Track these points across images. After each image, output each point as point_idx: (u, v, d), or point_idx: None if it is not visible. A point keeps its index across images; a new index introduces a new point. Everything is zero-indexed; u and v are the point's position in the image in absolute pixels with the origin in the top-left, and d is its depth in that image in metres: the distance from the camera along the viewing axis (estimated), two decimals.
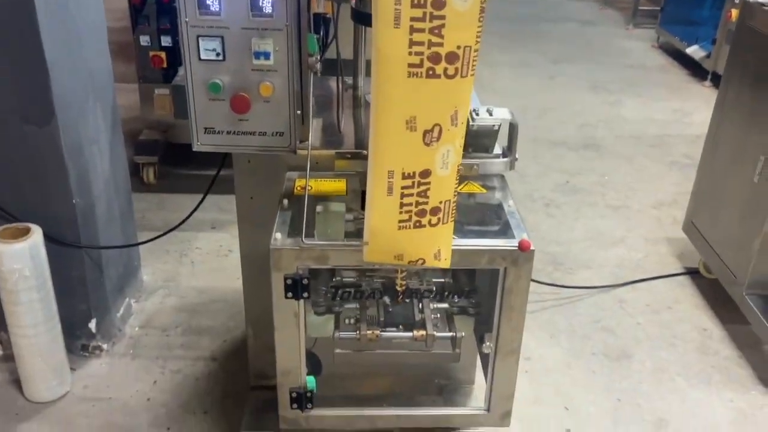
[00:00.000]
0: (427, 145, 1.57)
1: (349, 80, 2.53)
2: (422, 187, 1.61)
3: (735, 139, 3.24)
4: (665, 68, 7.21)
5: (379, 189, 1.61)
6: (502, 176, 2.14)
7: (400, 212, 1.62)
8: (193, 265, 3.59)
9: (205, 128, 1.91)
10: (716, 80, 6.40)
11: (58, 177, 2.54)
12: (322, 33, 2.05)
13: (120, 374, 2.84)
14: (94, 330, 2.87)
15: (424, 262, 1.66)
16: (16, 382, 2.71)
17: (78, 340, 2.87)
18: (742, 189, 3.12)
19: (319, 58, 1.98)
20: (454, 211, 1.68)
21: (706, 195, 3.52)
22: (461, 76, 1.49)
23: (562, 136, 5.35)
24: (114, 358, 2.93)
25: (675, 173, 4.82)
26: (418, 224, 1.64)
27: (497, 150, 2.13)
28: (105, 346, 2.93)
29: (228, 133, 1.92)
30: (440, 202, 1.64)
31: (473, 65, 1.52)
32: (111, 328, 2.99)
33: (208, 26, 1.78)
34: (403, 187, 1.60)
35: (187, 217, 2.83)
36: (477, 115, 2.04)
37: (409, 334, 2.04)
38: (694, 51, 6.76)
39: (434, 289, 2.11)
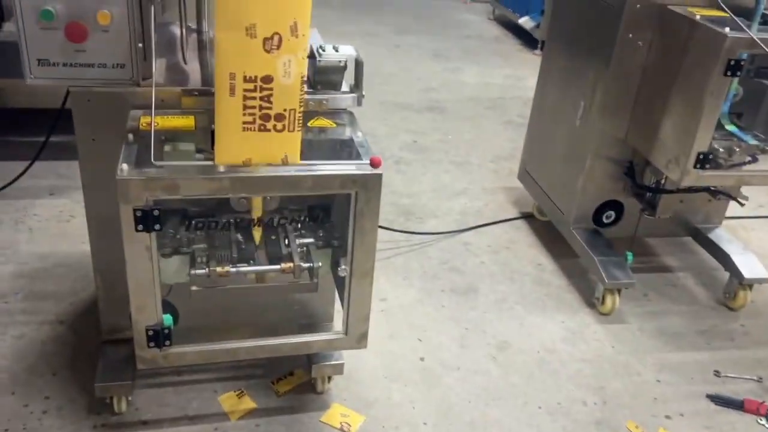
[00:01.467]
0: (268, 51, 1.66)
1: (193, 25, 2.51)
2: (265, 92, 1.71)
3: (559, 91, 3.56)
4: (500, 39, 7.67)
5: (222, 90, 1.69)
6: (351, 112, 2.23)
7: (244, 114, 1.72)
8: (31, 231, 3.38)
9: (39, 60, 1.82)
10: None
11: None
12: None
13: None
14: None
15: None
16: None
17: None
18: (566, 134, 3.44)
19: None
20: (300, 122, 1.76)
21: (536, 144, 3.84)
22: None
23: (408, 100, 5.56)
24: None
25: (510, 131, 5.18)
26: (262, 128, 1.74)
27: (345, 87, 2.22)
28: None
29: (64, 65, 1.85)
30: (284, 110, 1.73)
31: None
32: None
33: None
34: (245, 90, 1.69)
35: (20, 176, 2.67)
36: (323, 50, 2.11)
37: (271, 267, 2.08)
38: (525, 21, 7.24)
39: (294, 219, 2.17)
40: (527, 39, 7.39)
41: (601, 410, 2.68)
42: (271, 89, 1.70)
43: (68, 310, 2.87)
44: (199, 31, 2.50)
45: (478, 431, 2.53)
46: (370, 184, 1.89)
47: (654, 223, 3.39)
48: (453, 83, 6.09)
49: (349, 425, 2.49)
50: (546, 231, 3.81)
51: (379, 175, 1.89)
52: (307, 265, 2.10)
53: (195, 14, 2.46)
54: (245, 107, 1.71)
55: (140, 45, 1.90)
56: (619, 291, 3.17)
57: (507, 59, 6.95)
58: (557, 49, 3.62)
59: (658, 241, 3.78)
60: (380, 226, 3.40)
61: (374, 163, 1.90)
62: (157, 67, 2.00)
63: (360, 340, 2.17)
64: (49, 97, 2.66)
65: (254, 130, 1.74)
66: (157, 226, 1.80)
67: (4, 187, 2.67)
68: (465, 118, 5.36)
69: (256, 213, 2.02)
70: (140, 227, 1.79)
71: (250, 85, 1.69)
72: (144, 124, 1.97)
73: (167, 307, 2.08)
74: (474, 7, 8.73)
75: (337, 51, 2.13)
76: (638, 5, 2.91)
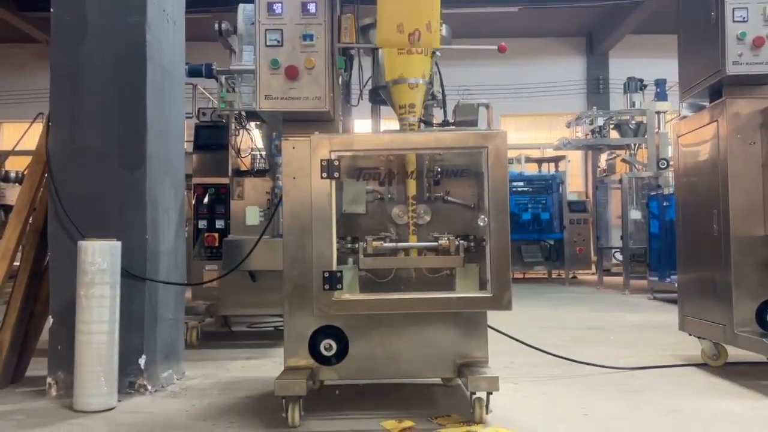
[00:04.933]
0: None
1: None
2: None
3: (695, 224, 3.84)
4: (660, 307, 7.81)
5: None
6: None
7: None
8: (229, 371, 3.87)
9: (266, 95, 2.69)
10: None
11: (138, 213, 3.19)
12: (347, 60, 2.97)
13: (162, 404, 3.04)
14: (142, 367, 3.15)
15: (419, 34, 2.32)
16: (67, 407, 2.93)
17: (126, 377, 3.13)
18: (708, 250, 3.61)
19: (344, 73, 2.87)
20: None
21: (688, 289, 3.96)
22: None
23: (572, 326, 5.78)
24: (156, 398, 3.14)
25: (678, 335, 5.14)
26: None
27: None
28: (150, 388, 3.16)
29: (281, 98, 2.69)
30: None
31: None
32: (156, 378, 3.26)
33: (272, 24, 2.70)
34: None
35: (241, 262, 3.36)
36: (460, 100, 2.84)
37: (430, 243, 2.49)
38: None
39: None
40: None
41: None
42: None
43: (255, 393, 3.21)
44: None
45: None
46: (498, 140, 2.39)
47: None
48: (614, 320, 6.26)
49: None
50: (720, 371, 3.67)
51: (504, 132, 2.40)
52: (456, 242, 2.49)
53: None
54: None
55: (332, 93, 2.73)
56: None
57: (669, 313, 7.02)
58: (686, 196, 4.00)
59: None
60: (540, 350, 3.60)
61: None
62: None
63: (507, 302, 2.38)
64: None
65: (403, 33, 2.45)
66: (336, 174, 2.38)
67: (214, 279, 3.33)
68: (627, 332, 5.44)
69: (410, 167, 2.53)
70: (324, 175, 2.37)
71: None
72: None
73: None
74: (633, 297, 9.07)
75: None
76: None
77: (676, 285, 7.50)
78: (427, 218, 2.65)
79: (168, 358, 3.43)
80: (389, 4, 2.47)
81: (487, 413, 2.62)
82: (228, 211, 4.98)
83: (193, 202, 5.03)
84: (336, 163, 2.38)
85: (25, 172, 3.62)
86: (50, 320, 3.20)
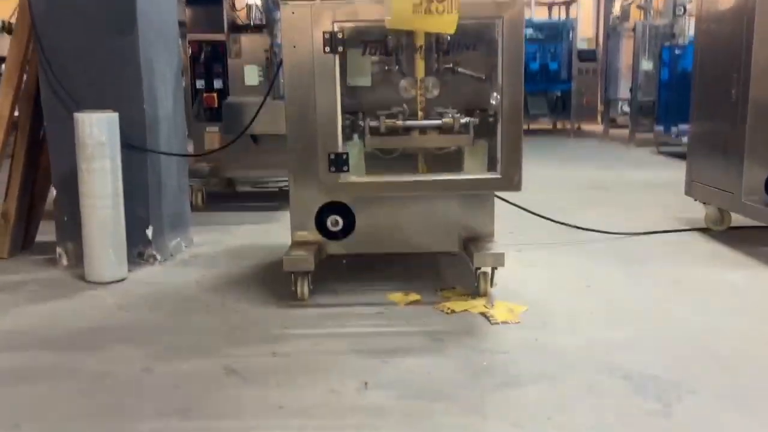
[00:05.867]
0: None
1: None
2: None
3: (712, 90, 3.70)
4: (666, 163, 7.77)
5: None
6: None
7: None
8: (236, 235, 3.92)
9: None
10: None
11: (133, 83, 3.06)
12: None
13: (172, 273, 3.11)
14: (150, 237, 3.17)
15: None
16: (79, 277, 2.98)
17: (135, 248, 3.16)
18: (724, 116, 3.51)
19: None
20: (457, 6, 2.17)
21: (698, 148, 3.90)
22: None
23: (578, 184, 5.79)
24: (166, 267, 3.21)
25: (681, 197, 5.15)
26: (428, 11, 2.16)
27: None
28: (159, 257, 3.21)
29: None
30: None
31: None
32: (164, 248, 3.29)
33: None
34: None
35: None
36: None
37: (434, 122, 2.40)
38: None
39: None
40: None
41: None
42: None
43: (260, 263, 3.26)
44: None
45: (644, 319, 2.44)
46: (515, 9, 2.22)
47: None
48: (618, 179, 6.26)
49: (512, 309, 2.51)
50: (723, 235, 3.69)
51: (522, 1, 2.23)
52: (463, 120, 2.39)
53: None
54: None
55: None
56: None
57: (675, 169, 6.98)
58: (706, 57, 3.82)
59: None
60: (546, 217, 3.60)
61: None
62: None
63: (516, 182, 2.33)
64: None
65: (421, 13, 2.17)
66: (340, 48, 2.24)
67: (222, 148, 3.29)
68: (629, 191, 5.45)
69: (419, 41, 2.39)
70: (327, 49, 2.23)
71: None
72: None
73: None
74: (638, 150, 9.00)
75: None
76: None
77: (682, 139, 7.45)
78: (436, 92, 2.53)
79: (175, 227, 3.44)
80: None
81: (491, 286, 2.67)
82: (226, 70, 4.79)
83: (189, 60, 4.82)
84: (339, 36, 2.23)
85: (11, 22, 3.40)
86: (53, 191, 3.18)
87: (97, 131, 2.81)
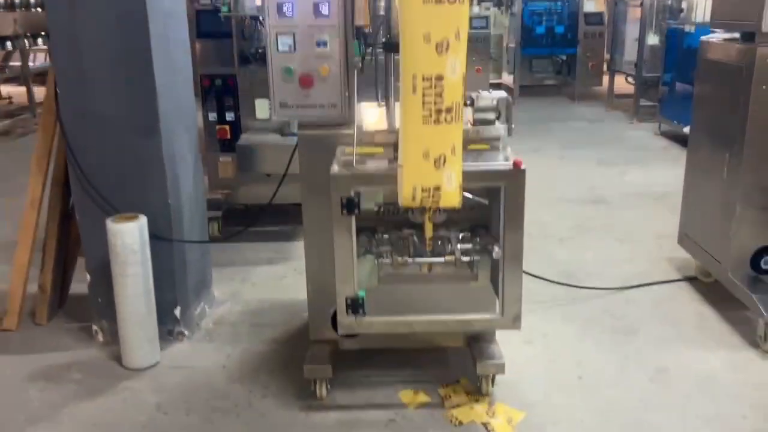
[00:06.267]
0: (439, 54, 2.24)
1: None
2: (438, 89, 2.26)
3: (707, 152, 3.87)
4: (667, 148, 7.92)
5: (407, 90, 2.27)
6: (499, 139, 2.78)
7: (423, 109, 2.27)
8: (254, 285, 4.19)
9: (280, 103, 2.62)
10: None
11: (157, 180, 3.25)
12: (362, 41, 2.82)
13: (199, 352, 3.40)
14: (178, 316, 3.45)
15: (445, 159, 2.27)
16: (116, 359, 3.27)
17: (165, 326, 3.44)
18: (716, 188, 3.70)
19: (360, 60, 2.74)
20: (462, 113, 2.32)
21: (691, 207, 4.10)
22: (460, 3, 2.21)
23: (572, 196, 5.97)
24: (193, 342, 3.49)
25: (677, 218, 5.37)
26: (437, 120, 2.28)
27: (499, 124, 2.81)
28: (186, 333, 3.50)
29: (297, 106, 2.63)
30: (452, 103, 2.28)
31: None
32: (191, 321, 3.57)
33: (284, 26, 2.54)
34: (424, 88, 2.26)
35: (253, 222, 3.51)
36: (479, 94, 2.74)
37: (438, 259, 2.62)
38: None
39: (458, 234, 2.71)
40: None
41: (764, 422, 2.76)
42: (442, 86, 2.26)
43: (282, 334, 3.55)
44: (387, 105, 3.25)
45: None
46: (516, 178, 2.41)
47: None
48: (617, 183, 6.43)
49: (511, 419, 2.81)
50: (710, 291, 3.94)
51: (523, 171, 2.41)
52: (466, 258, 2.61)
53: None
54: (424, 103, 2.27)
55: (346, 93, 2.65)
56: None
57: (675, 163, 7.16)
58: (702, 118, 3.98)
59: None
60: (542, 278, 3.85)
61: (516, 164, 2.42)
62: (357, 110, 2.75)
63: (515, 321, 2.58)
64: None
65: (431, 123, 2.29)
66: (357, 211, 2.44)
67: (240, 232, 3.54)
68: (629, 208, 5.65)
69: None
70: (345, 211, 2.43)
71: (427, 84, 2.25)
72: (347, 152, 2.69)
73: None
74: (641, 126, 9.11)
75: (489, 93, 2.75)
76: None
77: (684, 129, 7.56)
78: (443, 218, 2.74)
79: (199, 293, 3.71)
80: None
81: (492, 386, 2.96)
82: (237, 103, 4.92)
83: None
84: (356, 200, 2.43)
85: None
86: (88, 277, 3.43)
87: (130, 240, 3.03)
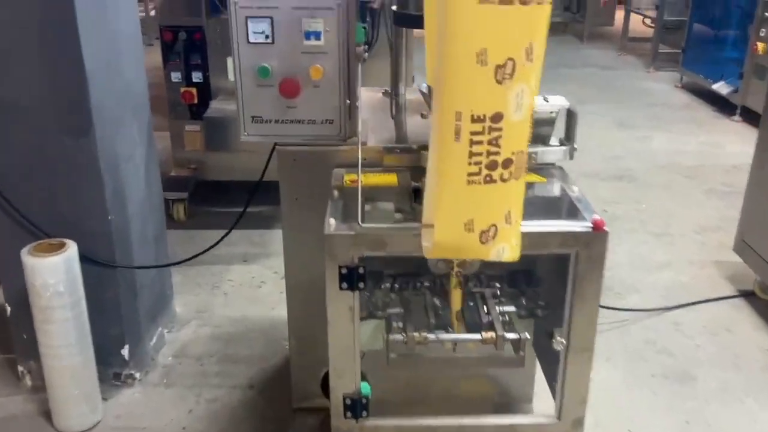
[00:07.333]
0: (499, 82, 1.38)
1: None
2: (494, 134, 1.42)
3: None
4: (691, 106, 7.15)
5: (447, 134, 1.40)
6: (561, 167, 2.04)
7: (469, 163, 1.43)
8: (226, 296, 3.47)
9: (253, 117, 1.83)
10: (746, 113, 6.32)
11: (94, 191, 2.47)
12: (368, 23, 2.00)
13: (154, 403, 2.70)
14: (126, 357, 2.74)
15: (496, 231, 1.50)
16: (46, 414, 2.57)
17: (110, 368, 2.73)
18: None
19: (366, 48, 1.93)
20: (525, 166, 1.51)
21: (757, 212, 3.38)
22: (538, 2, 1.36)
23: (593, 169, 5.24)
24: (147, 387, 2.79)
25: (715, 200, 4.68)
26: (488, 179, 1.45)
27: (554, 141, 2.05)
28: (138, 375, 2.79)
29: (276, 122, 1.84)
30: (512, 153, 1.46)
31: None
32: (144, 357, 2.86)
33: (257, 6, 1.72)
34: (472, 132, 1.40)
35: (217, 243, 2.80)
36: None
37: (471, 336, 1.90)
38: (720, 87, 6.71)
39: (496, 289, 1.99)
40: (722, 105, 6.82)
41: None
42: (500, 129, 1.41)
43: (259, 375, 2.85)
44: (396, 93, 2.45)
45: None
46: (595, 244, 1.67)
47: None
48: (641, 151, 5.70)
49: None
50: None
51: (606, 234, 1.67)
52: (512, 336, 1.89)
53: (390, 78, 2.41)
54: (471, 154, 1.42)
55: (347, 102, 1.86)
56: None
57: (701, 126, 6.43)
58: None
59: None
60: None
61: (597, 226, 1.68)
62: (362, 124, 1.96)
63: (576, 427, 1.89)
64: (247, 171, 2.74)
65: (479, 183, 1.45)
66: (361, 285, 1.70)
67: (201, 254, 2.82)
68: (659, 187, 4.94)
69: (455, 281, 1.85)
70: (344, 285, 1.69)
71: (478, 126, 1.40)
72: (349, 182, 1.92)
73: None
74: (659, 76, 8.28)
75: (546, 101, 1.97)
76: None
77: (713, 86, 6.79)
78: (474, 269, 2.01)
79: (155, 317, 2.99)
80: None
81: None
82: (206, 61, 4.06)
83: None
84: (361, 271, 1.68)
85: None
86: (8, 308, 2.68)
87: (53, 280, 2.28)
